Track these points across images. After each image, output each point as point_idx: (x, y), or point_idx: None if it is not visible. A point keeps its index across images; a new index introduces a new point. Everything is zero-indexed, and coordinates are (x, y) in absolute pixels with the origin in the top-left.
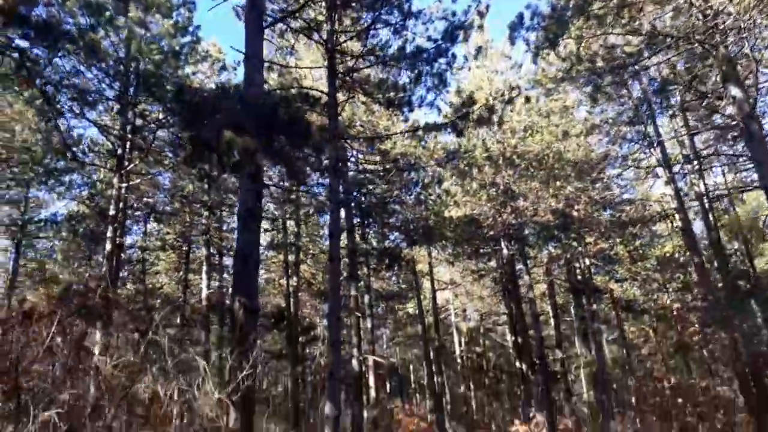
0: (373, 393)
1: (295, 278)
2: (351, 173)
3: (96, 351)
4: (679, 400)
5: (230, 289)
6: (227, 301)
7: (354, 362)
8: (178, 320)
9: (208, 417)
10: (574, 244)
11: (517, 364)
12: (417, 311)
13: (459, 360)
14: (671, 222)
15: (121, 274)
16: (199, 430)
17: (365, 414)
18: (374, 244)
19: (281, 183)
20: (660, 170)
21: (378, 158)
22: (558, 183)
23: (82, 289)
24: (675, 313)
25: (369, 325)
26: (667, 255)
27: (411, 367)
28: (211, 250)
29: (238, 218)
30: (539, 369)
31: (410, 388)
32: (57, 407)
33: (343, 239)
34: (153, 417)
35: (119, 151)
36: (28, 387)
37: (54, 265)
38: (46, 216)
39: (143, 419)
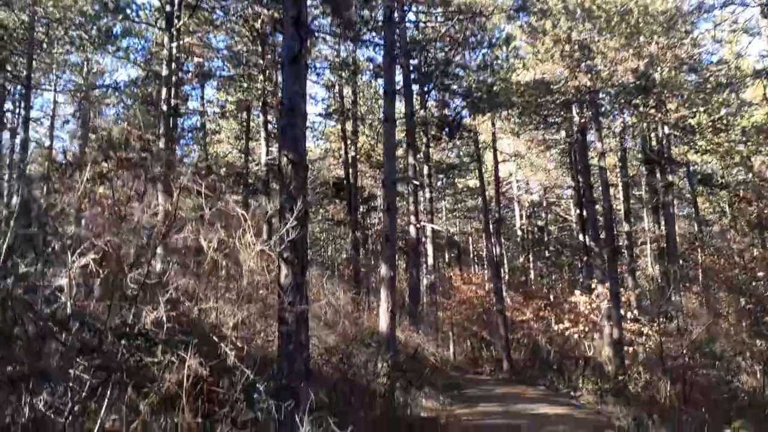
0: (431, 261)
1: (353, 148)
2: (410, 33)
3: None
4: (760, 273)
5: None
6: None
7: (412, 230)
8: (241, 188)
9: (254, 270)
10: (653, 111)
11: (581, 237)
12: (478, 184)
13: (519, 232)
14: (765, 85)
15: (182, 141)
16: (246, 283)
17: (423, 279)
18: (434, 112)
19: (331, 29)
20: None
21: (440, 11)
22: (642, 38)
23: (138, 148)
24: (757, 188)
25: (428, 195)
26: (755, 125)
27: (470, 239)
28: (268, 117)
29: (281, 67)
30: (605, 240)
31: (469, 259)
32: (95, 253)
33: (401, 109)
34: (195, 266)
35: (168, 8)
36: (63, 232)
37: (119, 132)
38: (108, 83)
39: (185, 267)
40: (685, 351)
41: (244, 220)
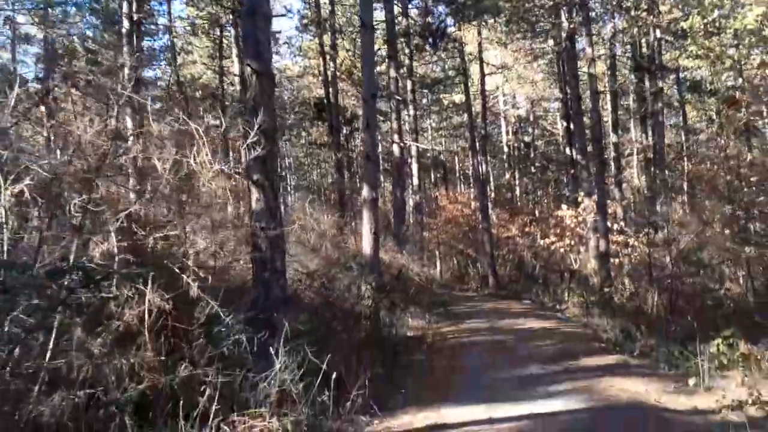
0: (416, 180)
1: (333, 64)
2: None
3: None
4: (753, 178)
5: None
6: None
7: (395, 149)
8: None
9: (215, 193)
10: (645, 14)
11: (567, 151)
12: (464, 99)
13: (506, 149)
14: None
15: (153, 64)
16: (207, 206)
17: (408, 200)
18: (416, 20)
19: None
20: None
21: None
22: None
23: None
24: (746, 93)
25: (412, 113)
26: (748, 27)
27: (456, 158)
28: (240, 30)
29: None
30: (593, 152)
31: (455, 179)
32: (30, 179)
33: (381, 18)
34: (150, 190)
35: None
36: None
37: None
38: None
39: (138, 192)
40: (672, 260)
41: (198, 136)
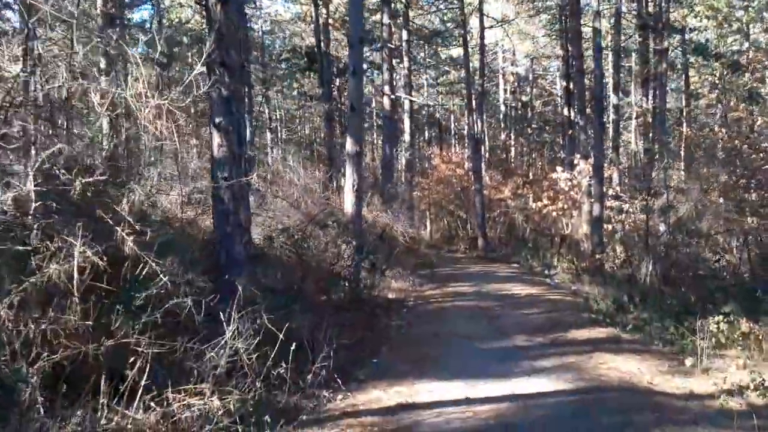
0: (408, 137)
1: (324, 11)
2: None
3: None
4: (765, 144)
5: None
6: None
7: (386, 101)
8: None
9: (160, 133)
10: None
11: (566, 111)
12: (462, 53)
13: (503, 107)
14: None
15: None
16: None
17: (400, 157)
18: None
19: None
20: None
21: None
22: None
23: None
24: (751, 58)
25: (406, 65)
26: None
27: (452, 117)
28: None
29: None
30: (593, 112)
31: (450, 138)
32: None
33: None
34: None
35: None
36: None
37: None
38: None
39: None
40: (669, 228)
41: (134, 63)
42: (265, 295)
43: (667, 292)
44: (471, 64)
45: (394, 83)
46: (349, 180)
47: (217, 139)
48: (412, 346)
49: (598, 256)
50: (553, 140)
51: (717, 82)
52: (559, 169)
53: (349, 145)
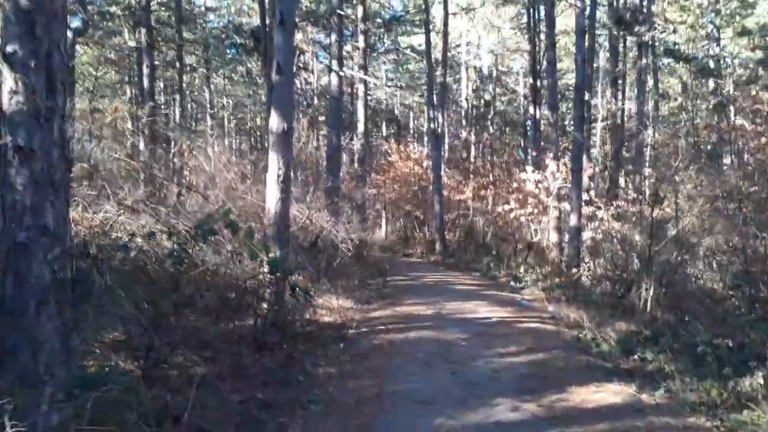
0: (361, 127)
1: None
2: None
3: None
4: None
5: None
6: None
7: (333, 79)
8: None
9: None
10: None
11: (531, 110)
12: (423, 43)
13: (465, 103)
14: None
15: None
16: None
17: (351, 147)
18: None
19: None
20: None
21: None
22: None
23: None
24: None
25: (361, 44)
26: None
27: (411, 114)
28: None
29: None
30: (574, 106)
31: (408, 136)
32: None
33: None
34: None
35: None
36: None
37: None
38: None
39: None
40: (656, 242)
41: None
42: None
43: (672, 322)
44: (433, 55)
45: (346, 62)
46: (272, 168)
47: (9, 80)
48: (338, 417)
49: (575, 270)
50: (514, 141)
51: (686, 85)
52: (529, 168)
53: (274, 121)
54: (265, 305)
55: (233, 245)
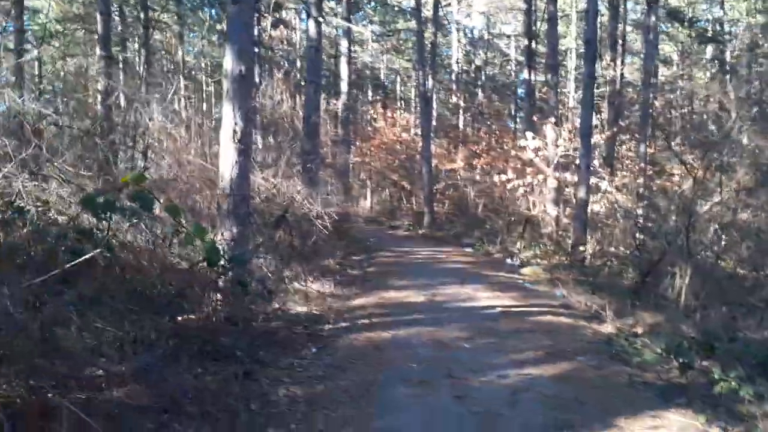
0: (344, 86)
1: None
2: None
3: None
4: None
5: None
6: None
7: (311, 26)
8: None
9: None
10: None
11: (525, 74)
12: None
13: (455, 67)
14: None
15: None
16: None
17: (335, 109)
18: None
19: None
20: None
21: None
22: None
23: None
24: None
25: None
26: None
27: (398, 79)
28: None
29: None
30: (585, 61)
31: (395, 104)
32: None
33: None
34: None
35: None
36: None
37: None
38: None
39: None
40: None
41: None
42: None
43: (714, 316)
44: (423, 14)
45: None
46: (227, 122)
47: None
48: None
49: (582, 249)
50: (505, 109)
51: (687, 51)
52: (529, 135)
53: (229, 62)
54: (219, 296)
55: (163, 225)
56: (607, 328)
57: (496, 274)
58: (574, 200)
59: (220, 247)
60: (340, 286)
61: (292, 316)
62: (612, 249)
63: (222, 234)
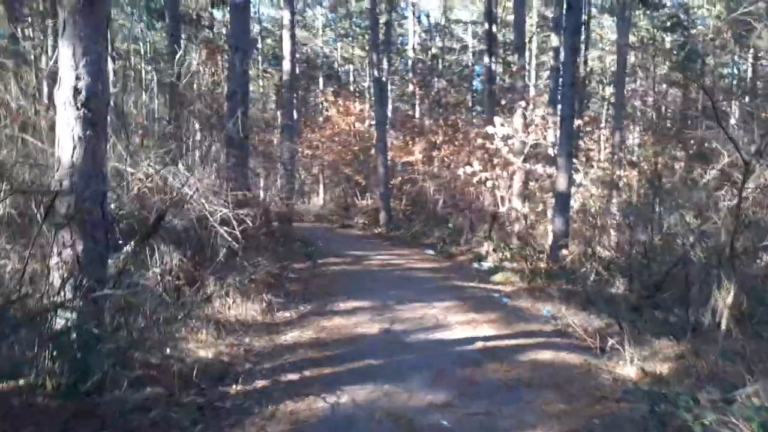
0: (287, 65)
1: None
2: None
3: None
4: None
5: None
6: None
7: None
8: None
9: None
10: None
11: (486, 60)
12: None
13: (411, 53)
14: None
15: None
16: None
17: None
18: None
19: None
20: None
21: None
22: None
23: None
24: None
25: None
26: None
27: (351, 68)
28: None
29: None
30: (565, 32)
31: (348, 94)
32: None
33: None
34: None
35: None
36: None
37: None
38: None
39: None
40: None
41: None
42: None
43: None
44: None
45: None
46: (65, 76)
47: None
48: None
49: (565, 253)
50: (462, 97)
51: (651, 39)
52: (497, 119)
53: None
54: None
55: None
56: (629, 369)
57: (464, 284)
58: (537, 194)
59: (56, 275)
60: (269, 310)
61: (187, 368)
62: (591, 250)
63: (58, 255)
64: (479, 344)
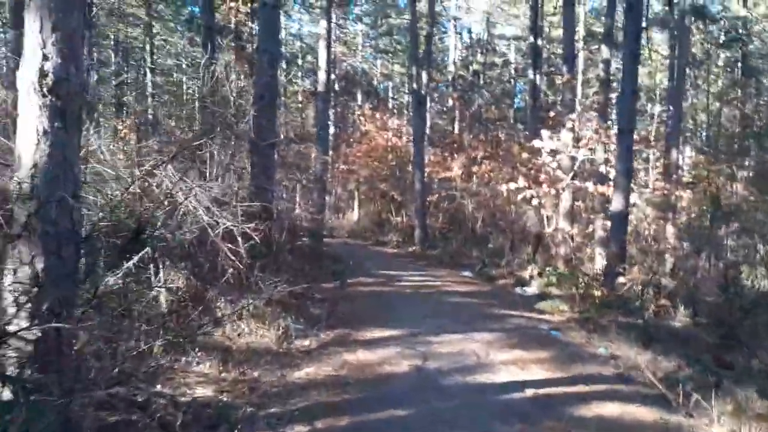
0: (322, 75)
1: None
2: None
3: None
4: None
5: None
6: None
7: None
8: None
9: None
10: None
11: (530, 74)
12: None
13: (452, 68)
14: None
15: None
16: None
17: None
18: None
19: None
20: None
21: None
22: None
23: None
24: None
25: None
26: None
27: (390, 85)
28: None
29: None
30: (625, 35)
31: (387, 110)
32: None
33: None
34: None
35: None
36: None
37: None
38: None
39: None
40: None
41: None
42: None
43: None
44: (417, 6)
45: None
46: (28, 57)
47: None
48: None
49: (622, 281)
50: (504, 114)
51: (706, 54)
52: (545, 132)
53: None
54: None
55: None
56: (718, 431)
57: (507, 312)
58: (583, 214)
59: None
60: (285, 337)
61: (172, 413)
62: (652, 277)
63: (13, 273)
64: (529, 392)
